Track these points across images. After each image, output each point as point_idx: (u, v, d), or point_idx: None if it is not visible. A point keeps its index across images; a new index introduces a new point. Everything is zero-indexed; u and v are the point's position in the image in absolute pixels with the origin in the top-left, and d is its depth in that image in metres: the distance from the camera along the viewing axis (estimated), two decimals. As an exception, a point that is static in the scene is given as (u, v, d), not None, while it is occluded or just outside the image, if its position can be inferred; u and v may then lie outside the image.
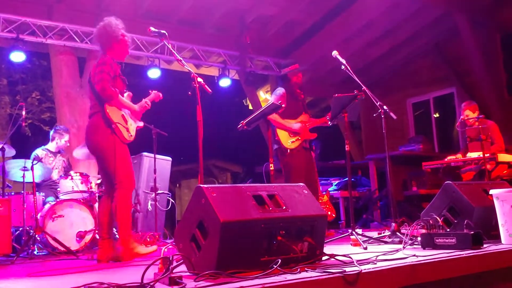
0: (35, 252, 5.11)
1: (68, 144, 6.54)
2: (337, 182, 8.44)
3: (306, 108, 5.65)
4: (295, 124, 5.38)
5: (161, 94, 4.68)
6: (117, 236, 4.40)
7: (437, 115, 10.47)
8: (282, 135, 5.40)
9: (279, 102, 4.85)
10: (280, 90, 5.54)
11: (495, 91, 8.76)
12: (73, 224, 5.51)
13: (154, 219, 6.12)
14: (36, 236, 5.08)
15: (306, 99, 5.80)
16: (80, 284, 2.36)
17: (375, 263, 2.75)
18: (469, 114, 6.47)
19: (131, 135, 4.25)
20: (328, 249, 3.26)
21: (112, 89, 4.04)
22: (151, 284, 2.28)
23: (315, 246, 2.91)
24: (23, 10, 7.22)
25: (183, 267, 2.75)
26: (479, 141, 5.89)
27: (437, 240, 3.45)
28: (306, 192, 3.16)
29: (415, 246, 3.65)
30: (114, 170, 4.07)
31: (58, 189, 5.93)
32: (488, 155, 5.89)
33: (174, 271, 2.42)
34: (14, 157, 5.75)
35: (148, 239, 5.50)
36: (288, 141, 5.37)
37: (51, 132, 6.59)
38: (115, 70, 4.15)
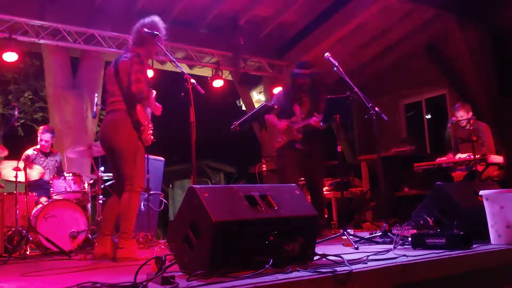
0: (28, 252, 5.10)
1: (46, 144, 6.48)
2: (329, 182, 8.46)
3: (305, 109, 5.63)
4: (280, 124, 5.51)
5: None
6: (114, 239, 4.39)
7: (429, 116, 10.53)
8: (274, 134, 5.61)
9: (272, 103, 4.89)
10: (277, 91, 5.70)
11: (486, 92, 8.83)
12: (65, 225, 5.51)
13: (147, 220, 6.11)
14: (29, 236, 5.08)
15: (316, 100, 5.69)
16: (73, 283, 2.38)
17: (366, 263, 2.78)
18: (463, 115, 6.51)
19: (152, 139, 4.27)
20: (320, 249, 3.29)
21: (147, 92, 4.04)
22: (144, 283, 2.29)
23: (306, 246, 2.94)
24: (15, 10, 7.19)
25: (175, 267, 2.77)
26: (470, 143, 5.94)
27: (427, 241, 3.49)
28: (298, 192, 3.19)
29: (405, 246, 3.69)
30: (129, 172, 4.07)
31: (51, 189, 5.91)
32: (478, 156, 5.94)
33: (166, 270, 2.44)
34: (6, 157, 5.74)
35: (141, 240, 5.51)
36: (275, 140, 5.59)
37: None
38: (146, 70, 4.16)
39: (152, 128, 4.37)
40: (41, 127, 6.69)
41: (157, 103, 4.37)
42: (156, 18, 4.28)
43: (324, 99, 5.73)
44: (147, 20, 4.25)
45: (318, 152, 5.63)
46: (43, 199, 5.90)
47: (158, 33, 4.10)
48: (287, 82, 5.81)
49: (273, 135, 5.66)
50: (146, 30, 4.11)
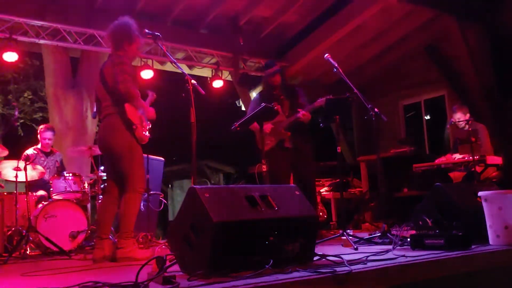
0: (28, 252, 5.12)
1: (49, 142, 6.50)
2: (329, 183, 8.48)
3: (286, 108, 5.55)
4: (265, 127, 5.41)
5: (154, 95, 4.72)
6: (111, 237, 4.40)
7: (428, 117, 10.56)
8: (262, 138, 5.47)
9: (272, 104, 4.88)
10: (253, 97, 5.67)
11: (486, 93, 8.85)
12: (65, 224, 5.52)
13: (147, 220, 6.13)
14: (29, 236, 5.09)
15: (295, 96, 5.66)
16: (75, 283, 2.39)
17: (365, 263, 2.80)
18: (460, 117, 6.53)
19: (147, 136, 4.28)
20: (319, 249, 3.31)
21: (135, 89, 4.06)
22: (145, 283, 2.31)
23: (306, 246, 2.96)
24: (15, 10, 7.20)
25: (176, 267, 2.78)
26: (468, 144, 5.96)
27: (426, 241, 3.50)
28: (298, 193, 3.21)
29: (405, 247, 3.70)
30: (128, 173, 4.09)
31: (51, 189, 5.92)
32: (477, 157, 5.96)
33: (167, 270, 2.45)
34: (6, 157, 5.76)
35: (141, 240, 5.53)
36: (264, 144, 5.46)
37: None
38: (133, 70, 4.16)
39: (149, 126, 4.39)
40: (42, 126, 6.71)
41: (149, 107, 4.38)
42: (127, 18, 4.31)
43: (302, 93, 5.68)
44: (121, 21, 4.29)
45: (307, 149, 5.56)
46: (41, 192, 5.91)
47: (159, 34, 4.12)
48: (262, 87, 5.80)
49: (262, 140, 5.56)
50: (147, 31, 4.12)
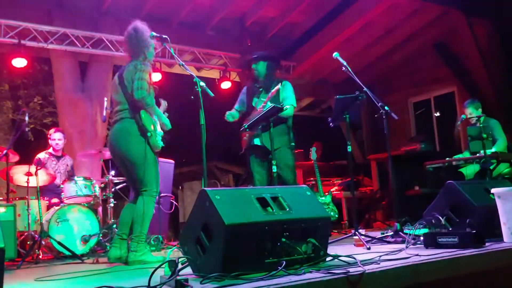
0: (40, 257, 5.14)
1: (59, 142, 6.51)
2: (339, 182, 8.46)
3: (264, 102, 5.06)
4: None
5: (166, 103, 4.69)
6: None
7: (438, 114, 10.50)
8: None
9: (280, 104, 4.86)
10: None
11: (496, 89, 8.79)
12: (77, 228, 5.54)
13: (158, 222, 6.13)
14: (41, 240, 5.11)
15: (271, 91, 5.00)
16: (89, 287, 2.39)
17: (379, 263, 2.78)
18: (472, 112, 6.46)
19: (160, 144, 4.29)
20: (331, 249, 3.29)
21: (152, 98, 4.07)
22: (158, 286, 2.31)
23: (319, 247, 2.94)
24: (24, 16, 7.25)
25: (188, 270, 2.78)
26: (480, 140, 5.90)
27: (439, 240, 3.48)
28: (309, 193, 3.19)
29: (418, 245, 3.68)
30: (142, 177, 4.10)
31: (62, 193, 5.95)
32: (490, 153, 5.89)
33: (180, 273, 2.45)
34: (17, 162, 5.79)
35: (153, 242, 5.53)
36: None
37: None
38: (151, 77, 4.15)
39: (164, 132, 4.38)
40: (51, 129, 6.74)
41: (165, 117, 4.36)
42: (139, 23, 4.29)
43: (286, 88, 5.10)
44: (135, 28, 4.26)
45: (281, 149, 5.06)
46: (55, 200, 5.94)
47: (166, 36, 4.12)
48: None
49: None
50: (154, 34, 4.13)
